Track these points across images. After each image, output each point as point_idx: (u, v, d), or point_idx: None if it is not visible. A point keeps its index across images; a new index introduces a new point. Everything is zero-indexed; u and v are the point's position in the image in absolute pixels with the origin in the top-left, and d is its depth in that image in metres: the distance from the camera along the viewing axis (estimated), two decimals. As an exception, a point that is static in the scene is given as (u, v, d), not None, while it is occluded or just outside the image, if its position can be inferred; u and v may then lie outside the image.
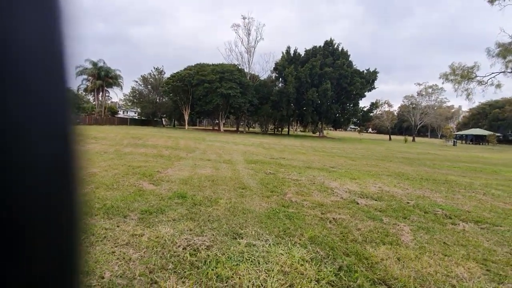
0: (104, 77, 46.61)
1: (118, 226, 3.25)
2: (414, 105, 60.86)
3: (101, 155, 8.99)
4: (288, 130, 54.62)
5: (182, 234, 3.15)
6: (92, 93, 48.68)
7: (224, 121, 46.71)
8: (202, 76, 39.36)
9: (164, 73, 55.21)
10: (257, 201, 4.72)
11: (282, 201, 4.80)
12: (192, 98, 42.13)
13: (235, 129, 54.52)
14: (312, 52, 41.20)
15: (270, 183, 6.12)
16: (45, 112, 0.39)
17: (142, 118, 58.07)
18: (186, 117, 46.03)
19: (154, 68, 58.37)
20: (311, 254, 2.88)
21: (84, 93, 48.79)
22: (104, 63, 46.88)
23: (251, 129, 64.92)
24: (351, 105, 43.45)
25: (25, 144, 0.37)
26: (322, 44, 42.01)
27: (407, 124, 68.63)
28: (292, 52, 42.97)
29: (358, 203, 4.92)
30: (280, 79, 44.26)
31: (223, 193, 5.04)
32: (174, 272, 2.39)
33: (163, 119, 60.80)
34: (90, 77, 46.40)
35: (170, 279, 2.27)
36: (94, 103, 49.04)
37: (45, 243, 0.39)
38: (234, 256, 2.71)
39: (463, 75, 30.19)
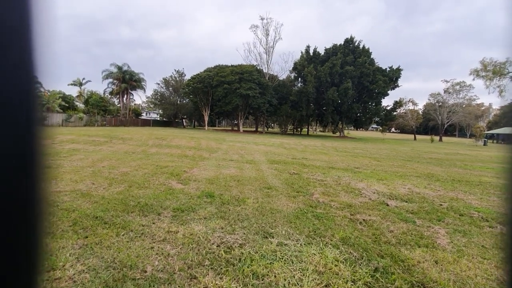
0: (128, 80, 48.53)
1: (153, 223, 3.40)
2: (440, 103, 57.97)
3: (130, 155, 9.38)
4: (308, 130, 54.01)
5: (214, 232, 3.23)
6: (118, 95, 50.83)
7: (243, 122, 47.01)
8: (221, 77, 39.89)
9: (185, 75, 56.53)
10: (284, 201, 4.73)
11: (309, 201, 4.77)
12: (212, 99, 42.82)
13: (254, 129, 54.73)
14: (332, 51, 40.48)
15: (295, 183, 6.11)
16: (5, 111, 0.39)
17: (164, 119, 59.80)
18: (206, 118, 46.85)
19: (175, 70, 60.04)
20: (344, 255, 2.85)
21: (110, 96, 51.07)
22: (128, 67, 48.88)
23: (270, 130, 64.89)
24: (373, 104, 42.14)
25: None
26: (342, 42, 41.17)
27: (433, 123, 65.46)
28: (311, 51, 42.47)
29: (388, 205, 4.80)
30: (299, 79, 43.88)
31: (249, 193, 5.10)
32: (211, 268, 2.46)
33: (183, 120, 62.25)
34: (116, 81, 48.50)
35: (208, 274, 2.35)
36: (119, 105, 51.15)
37: (3, 241, 0.39)
38: (268, 255, 2.74)
39: (495, 71, 28.41)
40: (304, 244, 3.05)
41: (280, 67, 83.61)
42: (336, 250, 2.96)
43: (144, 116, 60.99)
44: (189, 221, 3.55)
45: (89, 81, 55.47)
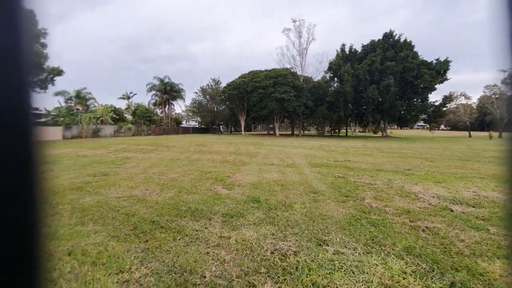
0: (169, 91, 51.62)
1: (206, 228, 3.47)
2: (497, 95, 51.55)
3: (175, 161, 9.86)
4: (346, 131, 51.95)
5: (266, 238, 3.18)
6: (160, 106, 54.31)
7: (278, 125, 46.88)
8: (256, 82, 40.37)
9: (220, 83, 58.42)
10: (333, 206, 4.52)
11: (360, 206, 4.50)
12: (247, 105, 43.52)
13: (290, 132, 54.24)
14: (370, 47, 38.57)
15: (342, 187, 5.83)
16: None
17: (202, 126, 62.28)
18: (242, 123, 47.66)
19: (211, 79, 62.39)
20: (411, 266, 2.59)
21: (153, 106, 54.75)
22: (169, 79, 52.02)
23: (306, 132, 63.75)
24: (419, 100, 38.95)
25: None
26: (381, 37, 39.04)
27: (491, 118, 58.41)
28: (347, 49, 40.98)
29: (452, 210, 4.31)
30: (336, 78, 42.48)
31: (295, 198, 4.98)
32: (268, 276, 2.41)
33: (220, 126, 64.19)
34: (158, 92, 51.91)
35: (266, 283, 2.30)
36: (162, 115, 54.55)
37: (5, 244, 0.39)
38: (325, 264, 2.61)
39: None
40: (363, 253, 2.85)
41: (315, 68, 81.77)
42: (401, 261, 2.71)
43: (184, 124, 64.17)
44: (239, 226, 3.55)
45: (135, 94, 60.27)
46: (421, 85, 35.95)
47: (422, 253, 2.86)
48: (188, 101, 59.48)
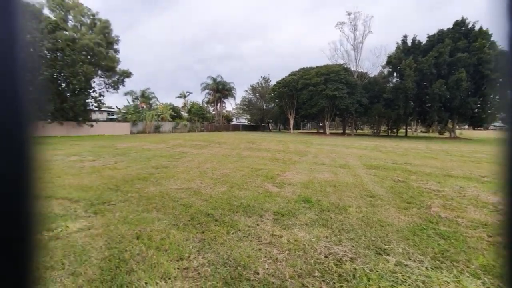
0: (221, 90, 53.91)
1: (257, 225, 3.51)
2: None
3: (227, 158, 10.24)
4: (406, 131, 47.46)
5: (319, 241, 3.08)
6: (213, 104, 57.10)
7: (329, 124, 45.19)
8: (306, 80, 39.53)
9: (270, 81, 58.75)
10: (393, 212, 4.16)
11: (426, 215, 4.05)
12: (297, 102, 42.89)
13: (341, 131, 51.88)
14: (438, 38, 34.37)
15: (403, 192, 5.33)
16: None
17: (252, 124, 63.57)
18: (291, 121, 47.23)
19: (261, 77, 63.11)
20: (494, 290, 2.23)
21: (206, 105, 57.84)
22: (221, 78, 54.31)
23: (358, 131, 60.21)
24: (497, 97, 33.41)
25: None
26: (450, 26, 34.49)
27: None
28: (409, 41, 37.26)
29: (548, 229, 3.58)
30: (395, 73, 39.05)
31: (349, 201, 4.72)
32: (323, 281, 2.32)
33: (269, 124, 64.66)
34: (211, 91, 54.63)
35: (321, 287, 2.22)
36: (214, 112, 57.31)
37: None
38: (386, 275, 2.41)
39: None
40: (431, 268, 2.55)
41: (371, 63, 76.38)
42: (478, 281, 2.35)
43: (234, 121, 66.38)
44: (291, 226, 3.51)
45: (191, 93, 64.32)
46: (501, 79, 30.68)
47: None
48: (238, 99, 61.24)
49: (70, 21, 31.37)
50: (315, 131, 57.98)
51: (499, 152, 0.45)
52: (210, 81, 53.96)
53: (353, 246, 2.98)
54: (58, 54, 25.56)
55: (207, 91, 55.39)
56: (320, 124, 53.52)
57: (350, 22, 43.75)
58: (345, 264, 2.59)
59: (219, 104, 57.16)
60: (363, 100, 37.92)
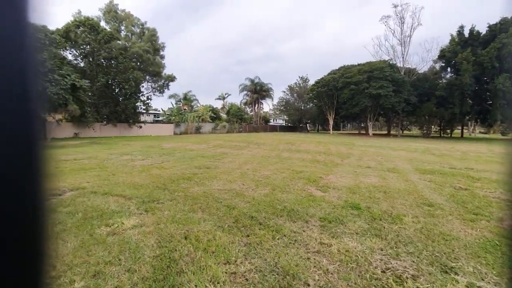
0: (259, 91, 54.34)
1: (303, 231, 3.35)
2: None
3: (267, 159, 10.20)
4: (462, 131, 42.82)
5: (373, 253, 2.82)
6: (250, 105, 57.84)
7: (372, 124, 42.71)
8: (347, 78, 37.92)
9: (308, 80, 57.59)
10: (457, 225, 3.68)
11: (498, 229, 3.50)
12: (337, 102, 41.36)
13: (385, 132, 48.77)
14: (501, 27, 30.35)
15: (467, 202, 4.71)
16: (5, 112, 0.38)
17: (289, 124, 63.01)
18: (331, 122, 45.70)
19: (299, 77, 62.16)
20: None
21: (244, 106, 58.74)
22: (259, 79, 54.72)
23: (405, 132, 55.94)
24: None
25: None
26: (519, 12, 30.16)
27: None
28: (466, 32, 33.55)
29: None
30: (449, 68, 35.55)
31: (404, 209, 4.30)
32: (383, 299, 2.09)
33: (307, 124, 63.41)
34: (249, 92, 55.36)
35: (381, 307, 2.00)
36: (251, 113, 58.00)
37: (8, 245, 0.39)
38: (459, 300, 2.09)
39: None
40: (517, 296, 2.15)
41: (421, 57, 70.53)
42: None
43: (271, 122, 66.43)
44: (340, 234, 3.28)
45: (230, 94, 66.08)
46: None
47: None
48: (275, 100, 61.09)
49: (123, 31, 34.34)
50: (356, 132, 55.26)
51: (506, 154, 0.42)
52: (248, 83, 54.74)
53: (413, 261, 2.67)
54: (112, 62, 28.11)
55: (245, 92, 56.30)
56: (362, 125, 50.95)
57: (397, 15, 41.01)
58: (406, 282, 2.31)
59: (256, 105, 57.69)
60: (411, 98, 35.15)
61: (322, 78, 43.49)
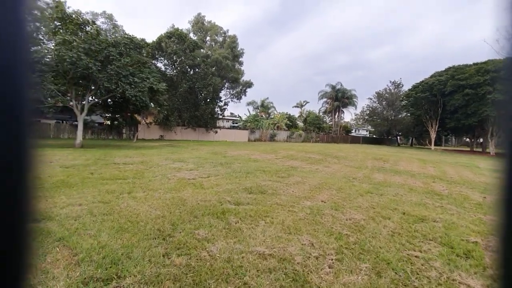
0: (340, 98, 49.33)
1: None
2: None
3: (351, 181, 7.08)
4: None
5: None
6: (330, 113, 53.17)
7: (495, 140, 32.53)
8: (459, 80, 29.90)
9: (402, 85, 49.23)
10: None
11: None
12: (443, 111, 33.21)
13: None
14: None
15: None
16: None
17: (374, 136, 55.26)
18: (433, 135, 37.10)
19: (390, 82, 54.00)
20: None
21: (323, 114, 54.44)
22: (341, 85, 49.76)
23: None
24: None
25: None
26: None
27: None
28: None
29: None
30: None
31: None
32: None
33: (398, 137, 54.31)
34: (329, 100, 50.95)
35: None
36: (330, 123, 53.20)
37: None
38: None
39: None
40: None
41: None
42: None
43: (353, 133, 59.77)
44: None
45: (308, 102, 62.60)
46: None
47: None
48: (359, 109, 54.40)
49: (208, 41, 36.01)
50: (468, 149, 43.65)
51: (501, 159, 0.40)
52: (328, 89, 50.48)
53: None
54: (196, 69, 29.30)
55: (324, 99, 52.12)
56: (479, 140, 39.96)
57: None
58: None
59: (337, 113, 52.62)
60: None
61: (423, 81, 35.89)
